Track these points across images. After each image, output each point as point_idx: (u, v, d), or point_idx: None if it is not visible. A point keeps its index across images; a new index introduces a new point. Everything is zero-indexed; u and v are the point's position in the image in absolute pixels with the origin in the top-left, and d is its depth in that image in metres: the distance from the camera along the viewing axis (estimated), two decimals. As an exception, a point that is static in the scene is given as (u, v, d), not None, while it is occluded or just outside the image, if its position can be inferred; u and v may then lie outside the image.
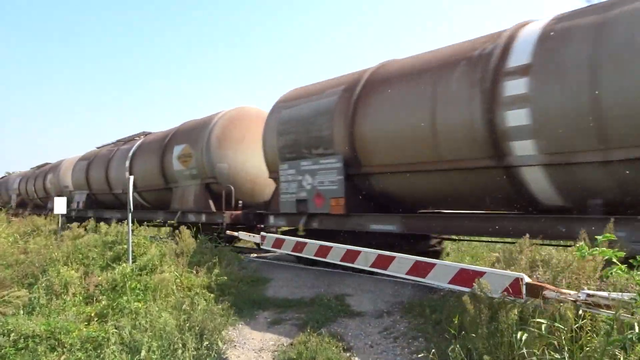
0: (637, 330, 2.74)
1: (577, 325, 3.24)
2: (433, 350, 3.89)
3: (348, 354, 4.54)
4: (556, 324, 3.22)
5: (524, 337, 3.26)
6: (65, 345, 4.67)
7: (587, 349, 3.08)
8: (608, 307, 3.14)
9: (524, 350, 3.21)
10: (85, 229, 12.14)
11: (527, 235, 4.57)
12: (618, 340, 2.78)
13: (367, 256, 5.84)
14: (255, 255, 11.50)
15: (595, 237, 3.30)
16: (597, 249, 3.24)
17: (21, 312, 5.68)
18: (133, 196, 12.57)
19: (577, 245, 3.49)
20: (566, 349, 3.14)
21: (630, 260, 3.02)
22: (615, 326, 2.95)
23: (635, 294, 2.96)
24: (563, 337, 3.18)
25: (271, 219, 9.66)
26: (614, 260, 3.11)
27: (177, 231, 9.48)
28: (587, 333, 3.25)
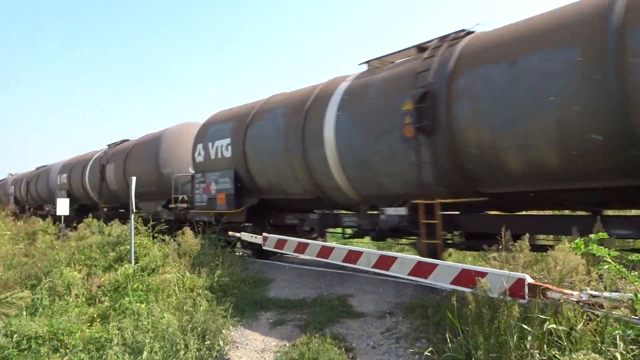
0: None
1: (579, 326, 3.24)
2: (433, 349, 3.88)
3: (350, 355, 4.54)
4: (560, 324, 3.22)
5: (529, 337, 3.25)
6: (68, 347, 4.69)
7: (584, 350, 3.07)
8: (610, 307, 3.14)
9: (529, 350, 3.21)
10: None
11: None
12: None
13: (369, 257, 5.84)
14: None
15: (590, 235, 3.29)
16: (593, 246, 3.22)
17: (24, 313, 5.70)
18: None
19: (574, 242, 3.46)
20: (567, 349, 3.13)
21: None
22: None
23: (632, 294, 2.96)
24: (564, 336, 3.18)
25: None
26: (607, 258, 3.10)
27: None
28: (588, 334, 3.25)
